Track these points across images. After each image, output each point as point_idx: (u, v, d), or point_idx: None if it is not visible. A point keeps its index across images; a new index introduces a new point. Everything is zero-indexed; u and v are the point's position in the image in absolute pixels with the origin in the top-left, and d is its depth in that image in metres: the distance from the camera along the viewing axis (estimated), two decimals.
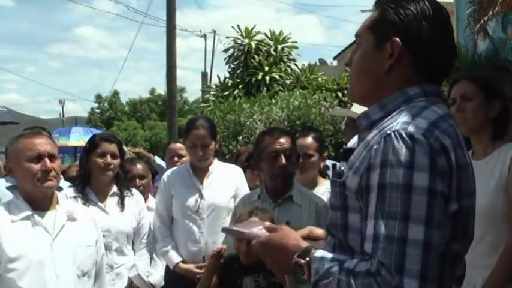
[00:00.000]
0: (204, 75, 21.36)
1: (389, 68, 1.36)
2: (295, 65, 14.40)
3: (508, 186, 2.22)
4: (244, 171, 3.56)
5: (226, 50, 14.66)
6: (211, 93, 14.90)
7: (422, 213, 1.17)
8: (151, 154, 6.07)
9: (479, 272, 2.16)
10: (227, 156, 7.95)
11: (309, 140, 3.36)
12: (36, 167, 2.20)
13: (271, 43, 14.27)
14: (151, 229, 3.35)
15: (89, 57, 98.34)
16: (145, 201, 3.51)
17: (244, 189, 3.31)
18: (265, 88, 13.01)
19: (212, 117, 8.50)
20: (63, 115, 41.60)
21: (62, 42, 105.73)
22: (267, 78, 13.32)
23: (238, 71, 14.15)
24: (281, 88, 12.93)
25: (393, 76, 1.36)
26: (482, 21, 6.02)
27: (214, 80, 16.78)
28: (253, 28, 14.45)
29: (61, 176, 2.53)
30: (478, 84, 2.39)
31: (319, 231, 1.66)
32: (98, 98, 43.40)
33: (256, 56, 13.84)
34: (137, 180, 3.70)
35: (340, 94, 11.10)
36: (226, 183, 3.32)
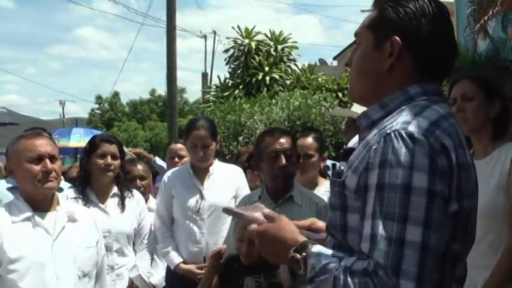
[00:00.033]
0: (204, 75, 21.33)
1: (390, 67, 1.35)
2: (296, 65, 14.42)
3: (509, 190, 2.22)
4: (245, 172, 3.56)
5: (226, 51, 14.69)
6: (212, 93, 14.93)
7: (420, 214, 1.15)
8: (151, 155, 6.07)
9: (480, 272, 2.16)
10: (227, 157, 7.96)
11: (309, 140, 3.36)
12: (37, 168, 2.20)
13: (271, 43, 14.29)
14: (152, 230, 3.36)
15: (89, 58, 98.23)
16: (146, 202, 3.51)
17: (245, 190, 3.31)
18: (265, 88, 13.02)
19: (212, 118, 8.48)
20: (63, 116, 41.59)
21: (62, 43, 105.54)
22: (267, 78, 13.33)
23: (239, 72, 14.16)
24: (281, 88, 12.93)
25: (393, 75, 1.35)
26: (482, 21, 6.03)
27: (215, 81, 16.79)
28: (253, 28, 14.48)
29: (61, 177, 2.53)
30: (478, 84, 2.39)
31: (321, 224, 1.64)
32: (98, 98, 43.43)
33: (256, 56, 13.85)
34: (138, 181, 3.70)
35: (340, 94, 11.06)
36: (226, 183, 3.32)
